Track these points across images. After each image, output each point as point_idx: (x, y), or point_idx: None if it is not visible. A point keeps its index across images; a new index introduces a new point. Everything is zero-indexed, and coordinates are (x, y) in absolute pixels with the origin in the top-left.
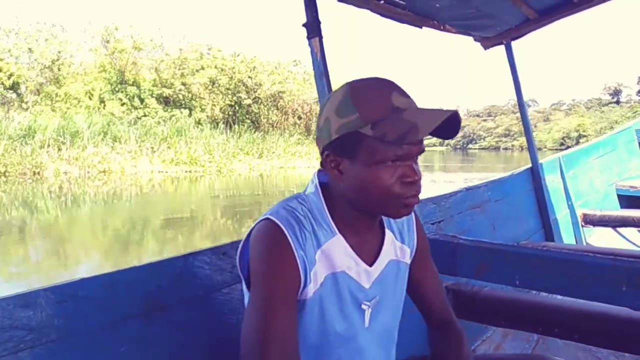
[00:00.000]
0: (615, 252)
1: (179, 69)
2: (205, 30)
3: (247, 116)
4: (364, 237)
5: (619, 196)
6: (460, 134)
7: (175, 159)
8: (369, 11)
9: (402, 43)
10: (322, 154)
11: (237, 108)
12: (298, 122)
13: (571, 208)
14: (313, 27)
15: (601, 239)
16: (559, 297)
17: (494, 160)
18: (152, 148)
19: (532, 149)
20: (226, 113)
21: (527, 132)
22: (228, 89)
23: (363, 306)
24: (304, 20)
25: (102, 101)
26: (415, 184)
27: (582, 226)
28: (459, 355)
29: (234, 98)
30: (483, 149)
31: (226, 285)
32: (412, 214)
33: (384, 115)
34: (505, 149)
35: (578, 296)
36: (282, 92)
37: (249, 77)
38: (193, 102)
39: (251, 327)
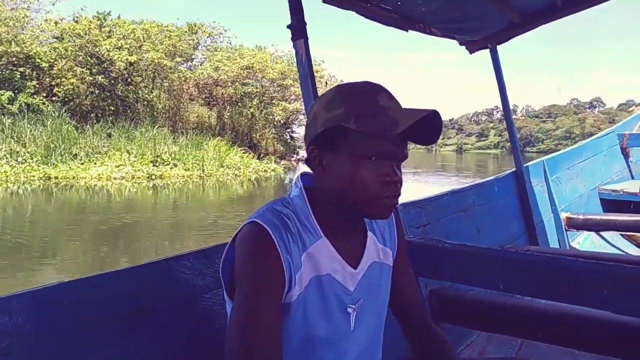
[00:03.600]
0: (597, 256)
1: None
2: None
3: (112, 101)
4: (347, 240)
5: (601, 200)
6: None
7: None
8: (355, 13)
9: None
10: (307, 149)
11: (89, 89)
12: (209, 112)
13: (555, 212)
14: (298, 29)
15: (584, 242)
16: (542, 301)
17: None
18: None
19: (516, 152)
20: (84, 97)
21: (512, 135)
22: (85, 63)
23: (349, 309)
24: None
25: None
26: (393, 184)
27: (566, 230)
28: (449, 358)
29: (82, 75)
30: (541, 152)
31: (208, 290)
32: (393, 216)
33: (368, 112)
34: None
35: (561, 300)
36: (161, 66)
37: (96, 45)
38: (33, 81)
39: (235, 333)
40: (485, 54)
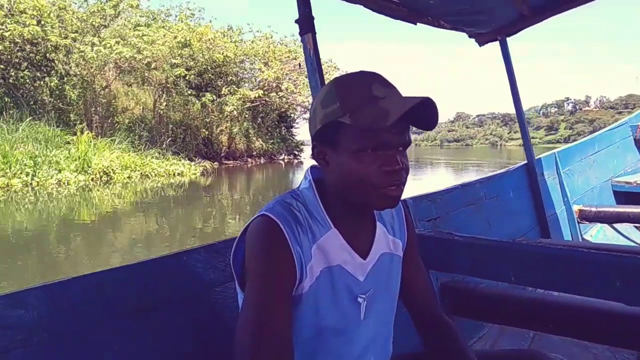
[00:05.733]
0: (610, 248)
1: None
2: None
3: (8, 91)
4: (357, 230)
5: (614, 192)
6: (589, 127)
7: None
8: (362, 6)
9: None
10: (312, 145)
11: None
12: (143, 101)
13: (567, 204)
14: (306, 23)
15: (597, 235)
16: (554, 293)
17: None
18: None
19: (527, 145)
20: None
21: (523, 128)
22: None
23: (359, 299)
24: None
25: None
26: (395, 173)
27: (578, 222)
28: (460, 349)
29: None
30: None
31: (219, 284)
32: (401, 207)
33: (362, 104)
34: None
35: (573, 292)
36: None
37: None
38: None
39: (245, 325)
40: (556, 44)
